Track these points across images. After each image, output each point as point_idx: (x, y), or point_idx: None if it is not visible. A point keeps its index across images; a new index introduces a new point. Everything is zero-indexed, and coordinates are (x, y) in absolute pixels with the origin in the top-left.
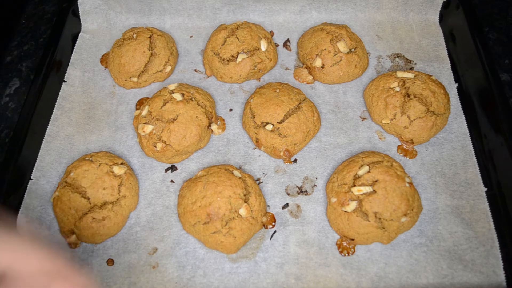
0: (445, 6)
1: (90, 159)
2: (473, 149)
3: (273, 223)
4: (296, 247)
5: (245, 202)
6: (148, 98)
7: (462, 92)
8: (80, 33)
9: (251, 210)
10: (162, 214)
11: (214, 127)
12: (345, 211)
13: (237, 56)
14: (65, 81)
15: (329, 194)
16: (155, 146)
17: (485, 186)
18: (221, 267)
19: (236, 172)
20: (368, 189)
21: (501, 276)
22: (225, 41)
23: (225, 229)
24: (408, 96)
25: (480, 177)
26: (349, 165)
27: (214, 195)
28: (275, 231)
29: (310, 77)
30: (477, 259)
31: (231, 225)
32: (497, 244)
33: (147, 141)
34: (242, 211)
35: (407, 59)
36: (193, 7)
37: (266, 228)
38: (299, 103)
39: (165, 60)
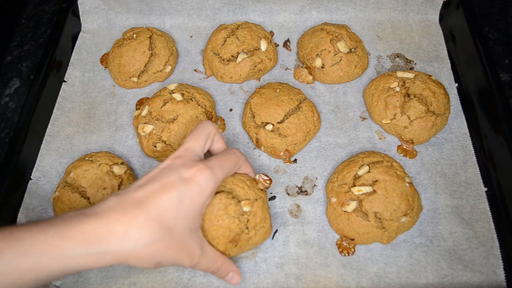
0: (445, 6)
1: (90, 159)
2: (473, 149)
3: (266, 180)
4: (296, 247)
5: (238, 200)
6: (148, 98)
7: (462, 92)
8: (80, 33)
9: (248, 198)
10: None
11: None
12: (345, 211)
13: (237, 56)
14: (65, 81)
15: (329, 194)
16: (155, 146)
17: (485, 186)
18: None
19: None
20: (368, 189)
21: (501, 276)
22: (225, 41)
23: (253, 231)
24: (408, 96)
25: (480, 177)
26: (349, 165)
27: (215, 229)
28: (276, 231)
29: (310, 77)
30: (477, 259)
31: (251, 224)
32: (497, 244)
33: (147, 141)
34: (246, 208)
35: (407, 59)
36: (193, 7)
37: (267, 188)
38: (299, 103)
39: (165, 60)
